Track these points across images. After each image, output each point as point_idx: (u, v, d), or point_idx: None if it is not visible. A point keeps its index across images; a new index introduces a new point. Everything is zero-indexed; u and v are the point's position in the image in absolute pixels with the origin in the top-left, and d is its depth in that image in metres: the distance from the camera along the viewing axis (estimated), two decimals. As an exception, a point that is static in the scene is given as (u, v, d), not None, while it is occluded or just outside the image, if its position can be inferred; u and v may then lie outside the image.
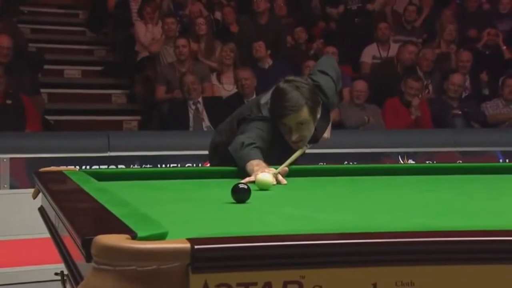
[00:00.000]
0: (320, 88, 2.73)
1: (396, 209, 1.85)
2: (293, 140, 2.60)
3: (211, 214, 1.79)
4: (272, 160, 2.48)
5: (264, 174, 2.19)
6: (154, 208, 1.75)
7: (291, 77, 2.64)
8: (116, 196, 1.76)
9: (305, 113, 2.56)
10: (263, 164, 2.39)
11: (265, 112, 2.67)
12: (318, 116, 2.65)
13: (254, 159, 2.42)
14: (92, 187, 1.91)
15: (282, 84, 2.60)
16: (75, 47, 7.79)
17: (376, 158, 5.07)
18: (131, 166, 4.79)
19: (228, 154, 2.60)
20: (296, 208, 1.89)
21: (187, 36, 6.70)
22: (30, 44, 7.13)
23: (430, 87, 6.83)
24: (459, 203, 2.00)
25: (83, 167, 4.47)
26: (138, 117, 6.82)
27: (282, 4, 7.61)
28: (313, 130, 2.64)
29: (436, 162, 5.05)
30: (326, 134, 2.85)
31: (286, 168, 2.44)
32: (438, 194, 2.21)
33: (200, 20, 6.95)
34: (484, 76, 7.12)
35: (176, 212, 1.79)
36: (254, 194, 1.93)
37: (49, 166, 2.50)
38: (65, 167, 2.54)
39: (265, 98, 2.72)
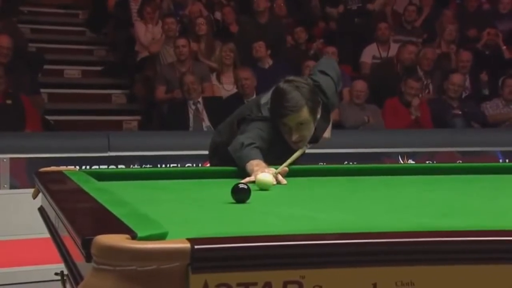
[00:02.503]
0: (320, 88, 2.73)
1: (395, 209, 1.85)
2: (293, 140, 2.60)
3: (211, 214, 1.79)
4: (271, 160, 2.48)
5: (264, 174, 2.19)
6: (154, 208, 1.75)
7: (291, 77, 2.64)
8: (116, 196, 1.76)
9: (305, 113, 2.57)
10: (263, 164, 2.39)
11: (265, 112, 2.67)
12: (318, 116, 2.65)
13: (254, 159, 2.42)
14: (92, 187, 1.91)
15: (282, 84, 2.60)
16: (75, 47, 7.79)
17: (376, 158, 5.07)
18: (131, 166, 4.79)
19: (228, 154, 2.60)
20: (296, 208, 1.89)
21: (187, 36, 6.71)
22: (30, 44, 7.13)
23: (431, 87, 6.83)
24: (458, 203, 2.00)
25: (83, 167, 4.48)
26: (138, 117, 6.82)
27: (282, 4, 7.61)
28: (313, 130, 2.65)
29: (436, 162, 5.05)
30: (327, 134, 2.85)
31: (286, 168, 2.44)
32: (438, 194, 2.21)
33: (200, 20, 6.95)
34: (484, 76, 7.12)
35: (176, 212, 1.79)
36: (254, 194, 1.93)
37: (49, 166, 2.50)
38: (65, 167, 2.54)
39: (265, 98, 2.72)
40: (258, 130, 2.61)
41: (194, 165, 4.87)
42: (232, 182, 2.38)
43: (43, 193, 2.09)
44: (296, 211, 1.81)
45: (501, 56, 7.35)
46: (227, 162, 2.64)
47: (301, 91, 2.56)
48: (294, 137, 2.59)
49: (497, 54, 7.34)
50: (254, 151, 2.49)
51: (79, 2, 8.33)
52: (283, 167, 2.42)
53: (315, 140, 2.75)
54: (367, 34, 7.44)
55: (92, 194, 1.76)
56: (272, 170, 2.34)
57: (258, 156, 2.45)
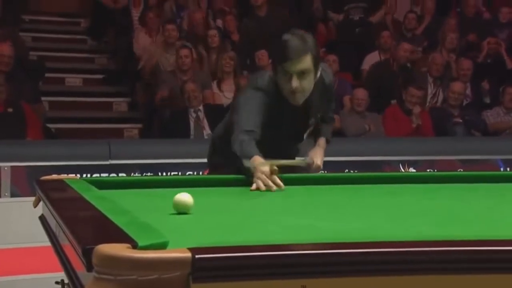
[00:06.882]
0: (323, 69, 2.72)
1: (396, 218, 1.85)
2: (293, 86, 2.51)
3: (212, 222, 1.79)
4: (269, 131, 2.47)
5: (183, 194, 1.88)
6: (155, 217, 1.75)
7: (296, 30, 2.63)
8: (117, 205, 1.77)
9: (308, 61, 2.51)
10: (260, 160, 2.36)
11: (260, 82, 2.61)
12: (318, 74, 2.59)
13: (252, 155, 2.39)
14: (93, 196, 1.91)
15: (286, 35, 2.56)
16: (76, 55, 7.81)
17: (376, 166, 5.07)
18: (132, 174, 4.79)
19: (226, 148, 2.58)
20: (297, 216, 1.89)
21: (191, 41, 6.71)
22: (32, 53, 7.15)
23: (440, 95, 6.80)
24: (459, 211, 2.00)
25: (84, 175, 4.48)
26: (139, 125, 6.82)
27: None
28: (312, 85, 2.57)
29: (437, 170, 5.05)
30: (319, 161, 2.80)
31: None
32: (438, 203, 2.21)
33: (213, 32, 6.94)
34: (485, 85, 7.11)
35: (177, 221, 1.79)
36: (254, 203, 1.93)
37: (50, 174, 2.50)
38: (66, 175, 2.55)
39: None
40: (249, 105, 2.54)
41: (195, 173, 4.87)
42: (233, 190, 2.39)
43: (44, 202, 2.09)
44: (296, 220, 1.81)
45: (502, 65, 7.34)
46: (226, 156, 2.61)
47: (305, 40, 2.53)
48: (295, 84, 2.51)
49: (498, 63, 7.34)
50: (251, 146, 2.44)
51: (80, 10, 8.36)
52: (281, 163, 2.40)
53: (313, 116, 2.69)
54: (368, 42, 7.46)
55: (93, 202, 1.76)
56: (267, 166, 2.31)
57: (255, 152, 2.41)
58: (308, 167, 2.73)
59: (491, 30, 7.70)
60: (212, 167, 2.98)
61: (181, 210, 1.83)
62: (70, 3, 8.32)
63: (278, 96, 2.58)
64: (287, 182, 2.47)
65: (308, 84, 2.56)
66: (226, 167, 2.72)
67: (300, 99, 2.57)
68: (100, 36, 7.91)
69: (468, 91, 6.84)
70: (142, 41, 7.06)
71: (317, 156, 2.78)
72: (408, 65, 7.10)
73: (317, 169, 2.79)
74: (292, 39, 2.52)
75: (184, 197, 1.83)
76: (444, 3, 8.21)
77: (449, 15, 7.93)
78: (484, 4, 8.49)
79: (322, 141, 2.89)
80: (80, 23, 8.32)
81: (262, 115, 2.54)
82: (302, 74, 2.52)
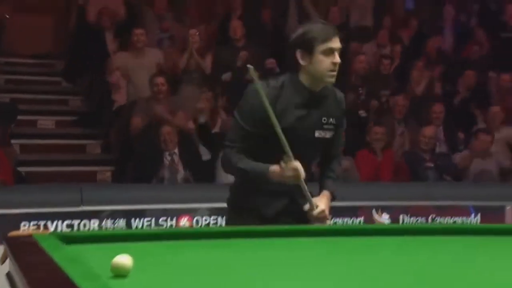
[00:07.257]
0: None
1: (376, 279, 1.83)
2: (338, 61, 2.63)
3: (184, 283, 1.75)
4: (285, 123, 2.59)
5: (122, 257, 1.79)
6: (126, 279, 1.72)
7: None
8: (86, 267, 1.73)
9: (339, 40, 2.67)
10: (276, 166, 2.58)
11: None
12: None
13: (264, 167, 2.60)
14: (62, 256, 1.87)
15: (310, 24, 2.72)
16: (50, 97, 7.74)
17: (350, 212, 5.07)
18: (104, 220, 4.73)
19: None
20: (271, 276, 1.86)
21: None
22: (4, 95, 7.08)
23: (406, 136, 6.87)
24: (437, 269, 2.00)
25: (55, 221, 4.41)
26: (112, 168, 6.75)
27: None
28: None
29: (410, 215, 5.08)
30: (323, 205, 2.74)
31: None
32: (416, 259, 2.20)
33: (193, 31, 6.88)
34: (460, 134, 7.16)
35: (150, 283, 1.75)
36: (232, 259, 1.90)
37: (20, 222, 2.45)
38: (36, 229, 2.49)
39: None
40: (235, 123, 2.68)
41: (169, 218, 4.82)
42: (209, 244, 2.36)
43: (11, 261, 2.04)
44: (271, 282, 1.78)
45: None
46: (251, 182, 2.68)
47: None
48: (338, 59, 2.63)
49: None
50: (251, 163, 2.62)
51: (54, 52, 8.33)
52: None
53: (326, 116, 2.75)
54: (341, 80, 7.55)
55: (62, 264, 1.72)
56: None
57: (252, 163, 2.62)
58: (310, 211, 2.70)
59: (464, 68, 7.80)
60: (236, 213, 2.82)
61: (120, 273, 1.74)
62: (43, 45, 8.30)
63: (294, 89, 2.69)
64: (256, 234, 2.45)
65: (339, 63, 2.68)
66: (250, 213, 2.72)
67: (333, 79, 2.69)
68: (74, 78, 7.87)
69: (442, 136, 6.89)
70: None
71: (321, 202, 2.76)
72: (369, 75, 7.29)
73: (323, 216, 2.74)
74: (320, 23, 2.71)
75: (122, 260, 1.75)
76: (413, 46, 8.35)
77: (418, 59, 8.02)
78: (456, 43, 8.64)
79: (326, 192, 2.85)
80: (54, 65, 8.28)
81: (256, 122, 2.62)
82: (338, 51, 2.67)
